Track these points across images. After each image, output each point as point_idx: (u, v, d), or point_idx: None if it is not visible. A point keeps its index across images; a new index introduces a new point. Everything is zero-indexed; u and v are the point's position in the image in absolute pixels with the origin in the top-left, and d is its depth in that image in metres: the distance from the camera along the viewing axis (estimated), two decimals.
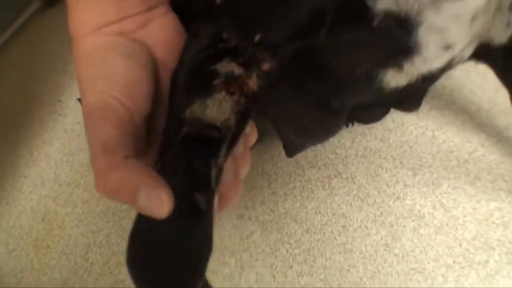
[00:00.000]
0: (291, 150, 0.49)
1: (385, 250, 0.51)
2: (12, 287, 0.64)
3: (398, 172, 0.53)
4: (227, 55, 0.30)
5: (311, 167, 0.56)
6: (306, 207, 0.55)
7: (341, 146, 0.56)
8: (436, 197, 0.52)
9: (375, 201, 0.53)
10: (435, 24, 0.27)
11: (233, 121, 0.29)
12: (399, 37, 0.28)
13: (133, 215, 0.24)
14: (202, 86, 0.29)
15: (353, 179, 0.54)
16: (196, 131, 0.28)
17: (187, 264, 0.26)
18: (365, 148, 0.55)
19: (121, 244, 0.62)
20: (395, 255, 0.51)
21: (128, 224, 0.64)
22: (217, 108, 0.29)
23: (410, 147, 0.54)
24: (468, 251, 0.49)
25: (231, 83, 0.29)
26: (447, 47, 0.29)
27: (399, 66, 0.31)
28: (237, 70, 0.30)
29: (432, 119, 0.56)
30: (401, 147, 0.54)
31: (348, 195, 0.54)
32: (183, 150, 0.27)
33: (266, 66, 0.30)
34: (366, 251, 0.52)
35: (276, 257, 0.54)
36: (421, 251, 0.51)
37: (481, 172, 0.51)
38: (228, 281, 0.53)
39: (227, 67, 0.29)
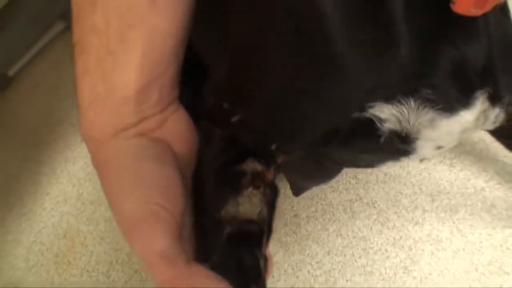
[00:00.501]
0: (297, 191, 0.53)
1: (404, 272, 0.53)
2: None
3: (417, 198, 0.56)
4: (249, 155, 0.32)
5: (333, 191, 0.59)
6: (327, 230, 0.57)
7: (362, 171, 0.58)
8: (454, 222, 0.54)
9: (394, 225, 0.55)
10: (431, 137, 0.32)
11: (265, 212, 0.31)
12: (400, 147, 0.33)
13: None
14: (232, 186, 0.31)
15: (373, 203, 0.57)
16: (238, 229, 0.30)
17: None
18: (386, 174, 0.58)
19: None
20: (414, 277, 0.53)
21: None
22: (249, 204, 0.31)
23: (429, 174, 0.56)
24: (483, 275, 0.52)
25: (255, 178, 0.32)
26: (439, 147, 0.35)
27: (396, 160, 0.36)
28: (259, 166, 0.33)
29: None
30: (420, 174, 0.57)
31: (369, 219, 0.56)
32: (229, 249, 0.29)
33: (280, 159, 0.34)
34: (386, 274, 0.54)
35: (297, 277, 0.56)
36: (438, 274, 0.53)
37: (497, 199, 0.54)
38: None
39: (251, 165, 0.32)
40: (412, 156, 0.35)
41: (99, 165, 0.27)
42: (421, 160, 0.44)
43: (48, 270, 0.68)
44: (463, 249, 0.53)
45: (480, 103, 0.31)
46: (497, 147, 0.56)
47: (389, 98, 0.30)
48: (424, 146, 0.33)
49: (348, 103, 0.31)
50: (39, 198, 0.73)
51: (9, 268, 0.69)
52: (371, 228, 0.56)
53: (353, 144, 0.34)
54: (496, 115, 0.35)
